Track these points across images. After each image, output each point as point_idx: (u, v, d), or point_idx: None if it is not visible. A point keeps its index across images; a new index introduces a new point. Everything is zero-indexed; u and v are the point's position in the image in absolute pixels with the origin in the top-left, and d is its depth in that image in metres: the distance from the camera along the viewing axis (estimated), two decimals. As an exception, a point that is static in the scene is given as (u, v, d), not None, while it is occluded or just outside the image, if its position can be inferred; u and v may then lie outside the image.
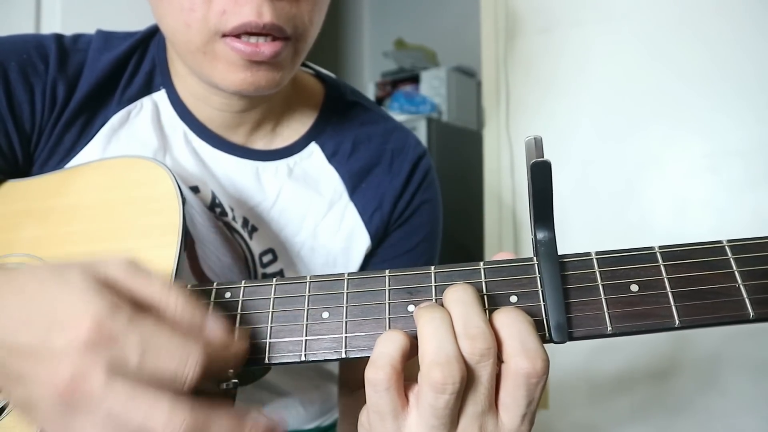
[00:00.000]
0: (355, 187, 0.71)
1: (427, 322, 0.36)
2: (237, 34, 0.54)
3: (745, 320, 0.36)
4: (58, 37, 0.64)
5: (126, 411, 0.34)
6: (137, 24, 0.69)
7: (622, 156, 1.67)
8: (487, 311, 0.38)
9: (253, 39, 0.54)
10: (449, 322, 0.36)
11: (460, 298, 0.37)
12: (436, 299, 0.40)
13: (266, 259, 0.67)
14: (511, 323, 0.36)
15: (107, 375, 0.34)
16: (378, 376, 0.36)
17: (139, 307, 0.37)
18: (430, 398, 0.35)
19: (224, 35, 0.54)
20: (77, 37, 0.66)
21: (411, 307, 0.40)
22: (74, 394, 0.34)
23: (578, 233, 1.65)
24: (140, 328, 0.35)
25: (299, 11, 0.55)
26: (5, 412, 0.45)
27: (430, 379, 0.34)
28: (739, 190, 1.54)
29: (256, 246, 0.66)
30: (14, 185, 0.60)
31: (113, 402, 0.34)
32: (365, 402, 0.39)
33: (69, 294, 0.36)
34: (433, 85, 2.66)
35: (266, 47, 0.54)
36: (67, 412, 0.34)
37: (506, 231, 1.84)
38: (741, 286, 0.36)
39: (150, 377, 0.35)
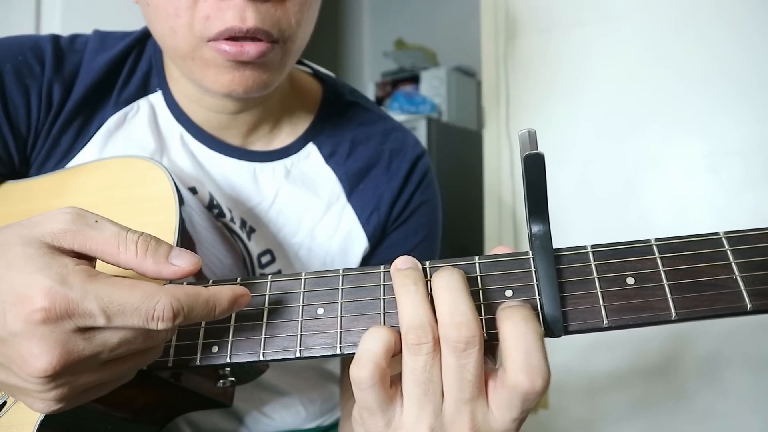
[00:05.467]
0: (352, 188, 0.71)
1: (404, 294, 0.38)
2: (222, 38, 0.53)
3: (743, 312, 0.35)
4: (55, 38, 0.64)
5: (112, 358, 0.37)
6: (137, 24, 0.68)
7: (622, 156, 1.67)
8: (482, 306, 0.38)
9: (239, 41, 0.54)
10: (422, 289, 0.38)
11: (447, 284, 0.37)
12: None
13: (265, 259, 0.67)
14: (519, 335, 0.35)
15: (84, 339, 0.35)
16: (362, 374, 0.36)
17: (92, 260, 0.37)
18: (409, 362, 0.36)
19: (209, 40, 0.54)
20: (74, 38, 0.66)
21: None
22: (62, 368, 0.34)
23: (578, 233, 1.65)
24: (96, 291, 0.34)
25: (285, 14, 0.55)
26: (4, 410, 0.45)
27: (406, 343, 0.36)
28: (739, 190, 1.54)
29: (255, 247, 0.66)
30: (13, 186, 0.60)
31: (101, 355, 0.36)
32: None
33: (13, 270, 0.34)
34: (433, 85, 2.66)
35: (252, 47, 0.53)
36: (57, 385, 0.35)
37: (506, 231, 1.84)
38: (738, 278, 0.36)
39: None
